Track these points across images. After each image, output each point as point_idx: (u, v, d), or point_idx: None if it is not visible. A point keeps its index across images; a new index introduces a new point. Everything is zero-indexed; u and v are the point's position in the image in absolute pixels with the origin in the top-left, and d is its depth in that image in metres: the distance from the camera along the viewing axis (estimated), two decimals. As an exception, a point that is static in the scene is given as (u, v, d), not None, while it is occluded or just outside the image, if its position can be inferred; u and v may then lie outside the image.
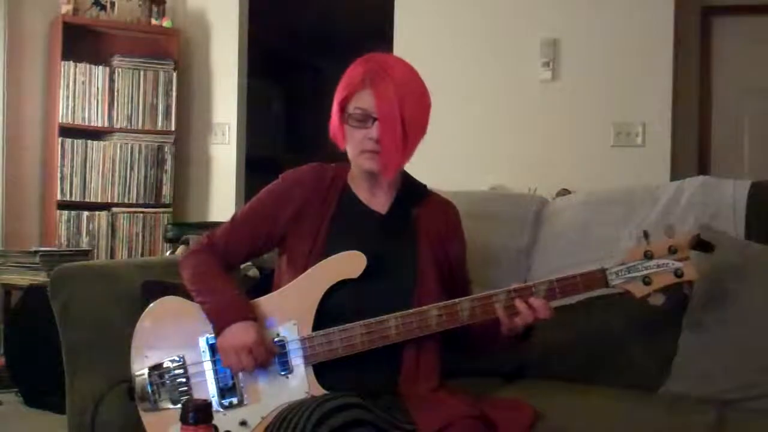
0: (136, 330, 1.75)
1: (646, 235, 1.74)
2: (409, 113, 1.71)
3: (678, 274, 1.71)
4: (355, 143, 1.76)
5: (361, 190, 1.85)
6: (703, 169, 4.11)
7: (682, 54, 3.99)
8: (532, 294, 1.70)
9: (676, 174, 3.82)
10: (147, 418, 1.71)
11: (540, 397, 1.80)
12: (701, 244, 1.74)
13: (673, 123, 3.89)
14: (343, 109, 1.77)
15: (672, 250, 1.71)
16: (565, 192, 3.55)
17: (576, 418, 1.75)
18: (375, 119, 1.72)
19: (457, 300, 1.71)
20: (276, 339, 1.70)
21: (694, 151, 4.23)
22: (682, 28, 3.96)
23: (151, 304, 1.77)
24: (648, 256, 1.72)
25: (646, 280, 1.71)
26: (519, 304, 1.69)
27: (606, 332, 2.05)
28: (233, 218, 1.89)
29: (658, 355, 2.01)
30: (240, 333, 1.65)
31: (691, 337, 1.95)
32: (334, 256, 1.73)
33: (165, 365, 1.71)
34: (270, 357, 1.68)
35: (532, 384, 2.02)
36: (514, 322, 1.70)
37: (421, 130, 1.77)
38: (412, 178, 1.91)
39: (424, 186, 1.92)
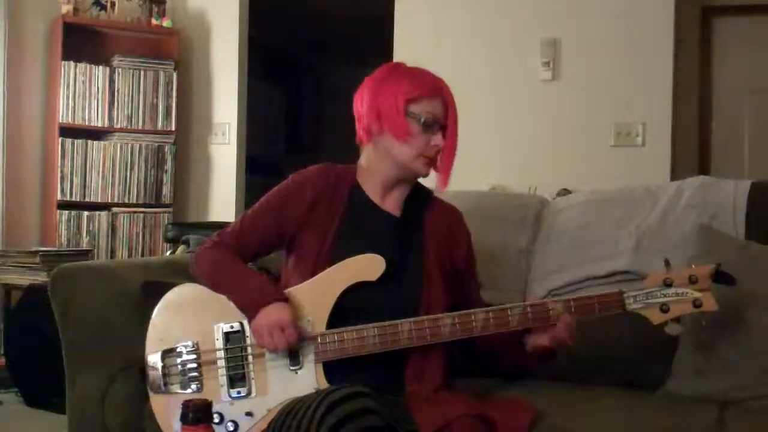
0: (156, 312, 1.77)
1: (667, 263, 1.74)
2: (457, 132, 1.83)
3: (697, 304, 1.71)
4: (418, 146, 1.79)
5: (372, 191, 1.87)
6: (703, 169, 4.10)
7: (682, 54, 3.98)
8: (548, 311, 1.73)
9: (676, 174, 3.81)
10: (155, 400, 1.72)
11: (540, 397, 1.80)
12: (723, 277, 1.74)
13: (673, 123, 3.89)
14: (407, 106, 1.79)
15: (692, 280, 1.72)
16: (565, 192, 3.55)
17: (576, 418, 1.75)
18: (441, 128, 1.79)
19: (471, 311, 1.74)
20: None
21: (694, 151, 4.22)
22: (682, 28, 3.96)
23: (173, 289, 1.79)
24: (668, 283, 1.73)
25: (664, 308, 1.72)
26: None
27: (606, 332, 2.05)
28: (243, 217, 1.90)
29: (658, 355, 2.01)
30: (275, 312, 1.67)
31: (692, 337, 1.95)
32: (353, 258, 1.75)
33: (179, 350, 1.72)
34: (298, 341, 1.69)
35: (532, 384, 2.02)
36: (542, 339, 1.74)
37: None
38: (420, 183, 1.93)
39: (431, 191, 1.95)
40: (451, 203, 1.97)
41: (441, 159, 1.82)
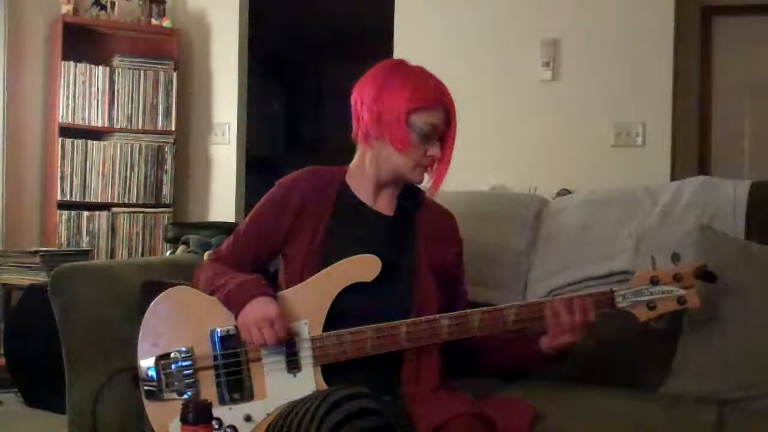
0: (146, 317, 1.74)
1: (653, 260, 1.78)
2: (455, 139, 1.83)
3: (681, 301, 1.75)
4: (415, 156, 1.79)
5: (362, 192, 1.87)
6: (703, 169, 4.10)
7: (682, 54, 3.98)
8: (542, 311, 1.75)
9: (676, 174, 3.82)
10: (150, 408, 1.70)
11: (540, 397, 1.80)
12: (705, 275, 1.78)
13: (673, 123, 3.89)
14: (408, 115, 1.76)
15: (677, 278, 1.76)
16: (565, 192, 3.55)
17: (576, 418, 1.75)
18: (438, 139, 1.79)
19: (468, 311, 1.74)
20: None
21: (694, 151, 4.22)
22: (682, 28, 3.96)
23: (164, 292, 1.77)
24: (654, 281, 1.76)
25: (651, 305, 1.75)
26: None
27: (606, 332, 2.05)
28: (236, 232, 1.91)
29: (658, 354, 2.01)
30: (262, 306, 1.66)
31: (691, 337, 1.95)
32: (349, 259, 1.75)
33: (173, 356, 1.70)
34: (287, 337, 1.68)
35: (532, 384, 2.02)
36: (559, 338, 1.74)
37: None
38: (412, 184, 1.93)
39: (424, 192, 1.94)
40: (446, 207, 1.96)
41: (436, 167, 1.82)
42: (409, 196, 1.90)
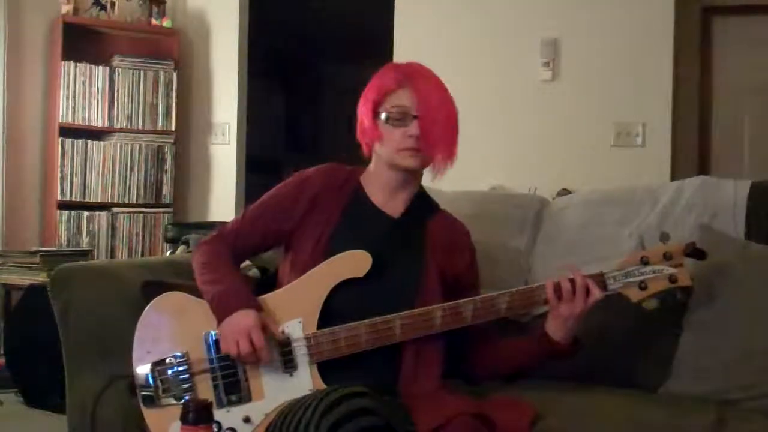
0: (139, 325, 1.74)
1: (642, 241, 1.79)
2: (446, 111, 1.78)
3: (672, 279, 1.75)
4: (393, 142, 1.80)
5: (376, 193, 1.88)
6: (703, 169, 4.10)
7: (682, 54, 3.99)
8: (534, 296, 1.77)
9: (676, 174, 3.82)
10: (149, 415, 1.70)
11: (540, 397, 1.80)
12: (695, 252, 1.78)
13: (673, 123, 3.90)
14: (375, 110, 1.80)
15: (667, 257, 1.76)
16: (565, 192, 3.55)
17: (576, 418, 1.74)
18: (414, 117, 1.77)
19: (460, 301, 1.74)
20: (281, 336, 1.70)
21: (694, 151, 4.22)
22: (682, 28, 3.96)
23: (155, 299, 1.77)
24: (644, 261, 1.76)
25: (642, 285, 1.75)
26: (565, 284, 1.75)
27: (606, 332, 2.05)
28: (245, 212, 1.90)
29: (658, 355, 2.01)
30: (239, 318, 1.66)
31: (691, 337, 1.95)
32: (339, 255, 1.75)
33: (168, 361, 1.70)
34: (263, 345, 1.66)
35: (532, 384, 2.02)
36: (561, 311, 1.74)
37: (456, 129, 1.82)
38: (428, 194, 1.95)
39: (437, 204, 1.95)
40: (461, 220, 1.97)
41: (420, 143, 1.77)
42: (423, 202, 1.91)
